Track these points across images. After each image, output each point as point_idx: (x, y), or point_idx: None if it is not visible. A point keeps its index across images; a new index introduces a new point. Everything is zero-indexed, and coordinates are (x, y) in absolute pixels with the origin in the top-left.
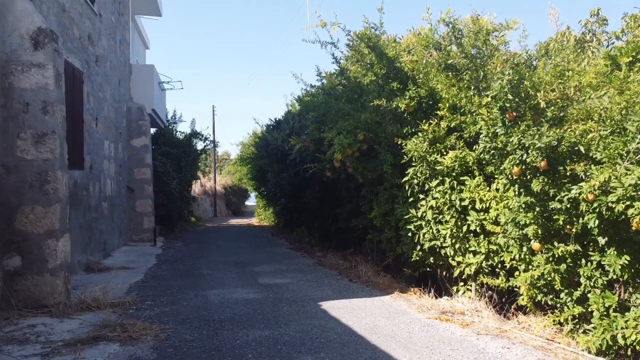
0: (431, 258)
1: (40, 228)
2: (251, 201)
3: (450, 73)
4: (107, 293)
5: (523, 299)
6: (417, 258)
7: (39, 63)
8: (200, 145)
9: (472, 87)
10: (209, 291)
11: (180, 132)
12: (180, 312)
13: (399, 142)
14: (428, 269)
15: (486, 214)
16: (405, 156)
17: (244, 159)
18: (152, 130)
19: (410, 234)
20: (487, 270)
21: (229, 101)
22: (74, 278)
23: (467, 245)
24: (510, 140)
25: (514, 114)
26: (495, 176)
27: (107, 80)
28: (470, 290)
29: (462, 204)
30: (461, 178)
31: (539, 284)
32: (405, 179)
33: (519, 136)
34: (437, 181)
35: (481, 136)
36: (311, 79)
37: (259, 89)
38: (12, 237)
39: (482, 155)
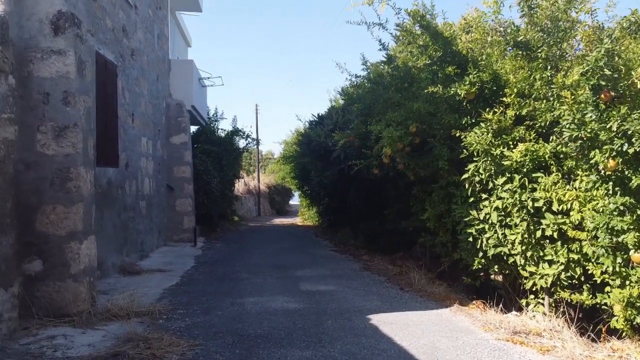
0: (495, 266)
1: (62, 229)
2: (295, 200)
3: (520, 52)
4: (136, 300)
5: (617, 321)
6: (480, 266)
7: (59, 50)
8: (242, 143)
9: (549, 67)
10: (247, 299)
11: (221, 129)
12: (213, 324)
13: (457, 135)
14: (491, 278)
15: (566, 217)
16: (464, 150)
17: (286, 158)
18: (193, 128)
19: (470, 239)
20: (565, 283)
21: (272, 100)
22: (107, 281)
23: (542, 253)
24: (607, 126)
25: (611, 93)
26: (578, 172)
27: (144, 74)
28: (543, 305)
29: (535, 205)
30: (533, 175)
31: (638, 304)
32: (465, 176)
33: (619, 121)
34: (504, 179)
35: (563, 124)
36: (356, 68)
37: (302, 86)
38: (32, 239)
39: (560, 147)
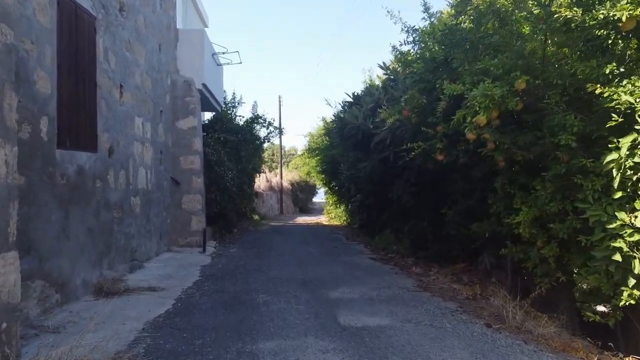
0: None
1: None
2: (319, 197)
3: None
4: (96, 347)
5: None
6: (631, 301)
7: None
8: (263, 132)
9: None
10: (262, 343)
11: (240, 117)
12: None
13: (597, 91)
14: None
15: None
16: (615, 115)
17: (312, 150)
18: (207, 115)
19: (617, 257)
20: None
21: (296, 92)
22: (69, 309)
23: None
24: None
25: None
26: None
27: (140, 39)
28: None
29: None
30: None
31: None
32: (610, 157)
33: None
34: None
35: None
36: (413, 19)
37: (329, 73)
38: None
39: None
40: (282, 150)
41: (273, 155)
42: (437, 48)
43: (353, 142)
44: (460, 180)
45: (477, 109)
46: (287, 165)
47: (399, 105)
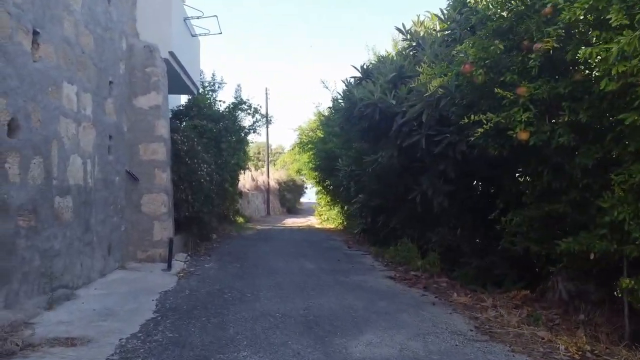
0: None
1: None
2: (306, 198)
3: None
4: None
5: None
6: None
7: None
8: (248, 121)
9: None
10: None
11: (220, 101)
12: None
13: None
14: None
15: None
16: None
17: (304, 144)
18: (180, 100)
19: None
20: None
21: (285, 82)
22: None
23: None
24: None
25: None
26: None
27: None
28: None
29: None
30: None
31: None
32: None
33: None
34: None
35: None
36: None
37: (321, 63)
38: None
39: None
40: (270, 149)
41: (259, 153)
42: None
43: (364, 127)
44: (550, 170)
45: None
46: (274, 163)
47: (458, 56)
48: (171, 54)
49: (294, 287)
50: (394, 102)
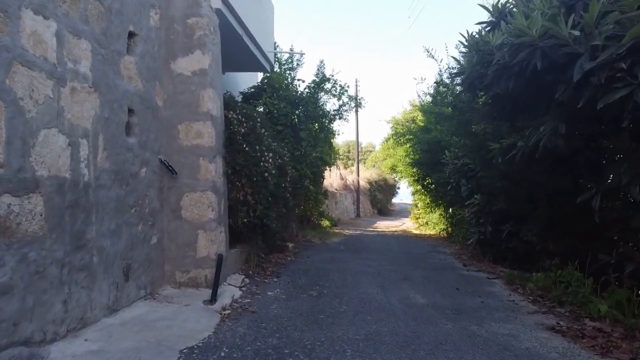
0: None
1: None
2: (397, 198)
3: None
4: None
5: None
6: None
7: None
8: (332, 105)
9: None
10: None
11: (299, 80)
12: None
13: None
14: None
15: None
16: None
17: (400, 135)
18: (258, 77)
19: None
20: None
21: (374, 75)
22: None
23: None
24: None
25: None
26: None
27: None
28: None
29: None
30: None
31: None
32: None
33: None
34: None
35: None
36: None
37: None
38: None
39: None
40: (359, 146)
41: (349, 151)
42: None
43: (507, 89)
44: None
45: None
46: (364, 162)
47: None
48: (225, 2)
49: (397, 347)
50: (577, 33)
